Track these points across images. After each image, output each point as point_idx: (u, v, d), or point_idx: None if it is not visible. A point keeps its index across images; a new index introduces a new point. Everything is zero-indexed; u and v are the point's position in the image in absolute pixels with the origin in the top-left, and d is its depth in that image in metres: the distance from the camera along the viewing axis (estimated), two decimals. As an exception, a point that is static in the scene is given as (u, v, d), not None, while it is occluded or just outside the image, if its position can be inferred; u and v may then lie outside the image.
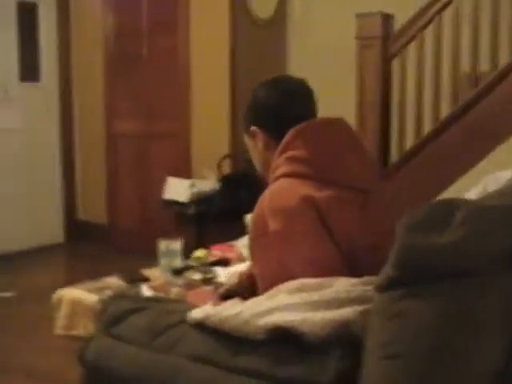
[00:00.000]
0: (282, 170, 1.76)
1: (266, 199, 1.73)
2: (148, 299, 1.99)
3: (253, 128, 1.90)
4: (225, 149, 5.40)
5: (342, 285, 1.37)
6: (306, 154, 1.74)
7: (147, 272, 2.76)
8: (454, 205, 1.11)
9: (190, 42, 5.61)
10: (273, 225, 1.66)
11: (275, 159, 1.81)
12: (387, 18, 4.20)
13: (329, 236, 1.63)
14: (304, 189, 1.67)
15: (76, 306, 2.54)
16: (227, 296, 2.02)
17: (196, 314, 1.43)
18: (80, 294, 2.58)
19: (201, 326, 1.41)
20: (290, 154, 1.76)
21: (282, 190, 1.71)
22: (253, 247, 1.79)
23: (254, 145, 1.93)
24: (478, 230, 1.06)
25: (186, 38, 5.63)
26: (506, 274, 1.11)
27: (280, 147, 1.80)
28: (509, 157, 3.83)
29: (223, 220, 4.74)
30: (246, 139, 1.97)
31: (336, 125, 1.86)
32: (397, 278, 1.11)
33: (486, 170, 3.82)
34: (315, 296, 1.33)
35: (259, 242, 1.73)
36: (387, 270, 1.13)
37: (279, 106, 1.89)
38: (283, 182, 1.74)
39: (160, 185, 5.35)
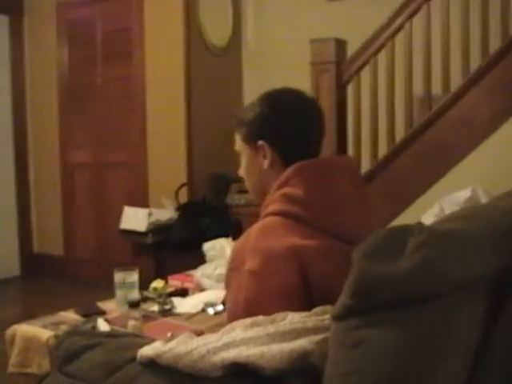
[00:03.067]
0: (276, 207, 1.67)
1: (252, 235, 1.65)
2: (103, 334, 1.93)
3: (261, 143, 1.77)
4: (182, 177, 5.38)
5: (296, 317, 1.34)
6: (302, 195, 1.64)
7: (103, 305, 2.70)
8: (408, 231, 1.09)
9: (145, 71, 5.61)
10: (250, 263, 1.60)
11: (271, 194, 1.72)
12: (340, 44, 4.24)
13: (305, 289, 1.56)
14: (292, 235, 1.59)
15: (29, 342, 2.45)
16: None
17: (146, 351, 1.38)
18: (34, 330, 2.49)
19: (153, 363, 1.36)
20: (286, 190, 1.67)
21: (270, 232, 1.63)
22: (228, 279, 1.73)
23: (255, 159, 1.80)
24: (432, 256, 1.05)
25: (141, 67, 5.63)
26: (465, 299, 1.10)
27: (278, 182, 1.70)
28: (464, 177, 3.88)
29: (182, 249, 4.69)
30: (245, 150, 1.83)
31: (340, 167, 1.76)
32: (354, 307, 1.09)
33: (444, 190, 3.88)
34: (271, 329, 1.30)
35: (233, 275, 1.67)
36: (344, 299, 1.11)
37: (299, 127, 1.77)
38: (274, 221, 1.65)
39: (117, 215, 5.29)
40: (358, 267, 1.08)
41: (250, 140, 1.80)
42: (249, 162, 1.83)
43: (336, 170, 1.75)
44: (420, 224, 1.14)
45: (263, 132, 1.77)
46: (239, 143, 1.85)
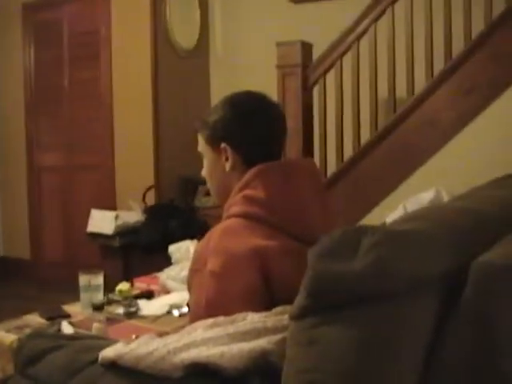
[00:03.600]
0: (237, 208, 1.68)
1: (215, 237, 1.66)
2: (67, 336, 1.93)
3: (223, 145, 1.78)
4: (149, 180, 5.37)
5: (256, 317, 1.35)
6: (263, 196, 1.66)
7: (69, 308, 2.68)
8: (361, 231, 1.11)
9: (113, 74, 5.59)
10: (212, 264, 1.61)
11: (232, 196, 1.73)
12: (306, 47, 4.27)
13: (266, 290, 1.57)
14: (254, 237, 1.60)
15: (-7, 346, 2.44)
16: None
17: (107, 353, 1.38)
18: (-3, 334, 2.47)
19: (115, 365, 1.36)
20: (247, 192, 1.69)
21: (232, 233, 1.63)
22: (190, 280, 1.74)
23: (217, 161, 1.81)
24: (383, 256, 1.07)
25: (108, 69, 5.61)
26: (418, 297, 1.12)
27: (239, 184, 1.72)
28: (429, 178, 3.93)
29: (150, 251, 4.68)
30: (208, 152, 1.84)
31: (301, 169, 1.78)
32: (310, 306, 1.11)
33: (409, 191, 3.91)
34: (231, 329, 1.31)
35: (196, 277, 1.68)
36: (300, 299, 1.12)
37: (260, 130, 1.78)
38: (236, 223, 1.66)
39: (85, 217, 5.26)
40: (313, 268, 1.10)
41: (213, 142, 1.82)
42: (211, 163, 1.85)
43: (297, 172, 1.77)
44: (373, 225, 1.16)
45: (225, 135, 1.79)
46: (202, 145, 1.87)
